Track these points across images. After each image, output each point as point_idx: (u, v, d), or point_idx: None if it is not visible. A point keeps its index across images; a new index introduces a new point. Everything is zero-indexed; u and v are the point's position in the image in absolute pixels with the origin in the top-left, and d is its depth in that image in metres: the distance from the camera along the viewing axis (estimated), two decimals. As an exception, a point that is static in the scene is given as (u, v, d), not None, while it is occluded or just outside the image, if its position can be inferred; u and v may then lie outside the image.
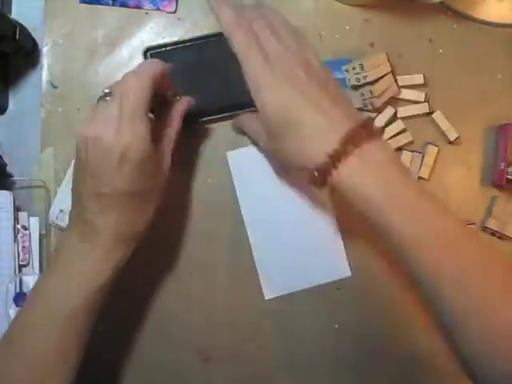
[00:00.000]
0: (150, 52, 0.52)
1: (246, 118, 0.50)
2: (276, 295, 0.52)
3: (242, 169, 0.53)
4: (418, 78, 0.53)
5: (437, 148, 0.52)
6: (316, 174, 0.39)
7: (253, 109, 0.50)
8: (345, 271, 0.52)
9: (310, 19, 0.54)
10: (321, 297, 0.52)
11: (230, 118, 0.52)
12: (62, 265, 0.43)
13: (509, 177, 0.51)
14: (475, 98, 0.54)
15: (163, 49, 0.52)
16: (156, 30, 0.53)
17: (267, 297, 0.52)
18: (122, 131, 0.40)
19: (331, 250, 0.52)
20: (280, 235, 0.52)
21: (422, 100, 0.52)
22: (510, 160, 0.52)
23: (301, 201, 0.53)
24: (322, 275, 0.52)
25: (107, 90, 0.42)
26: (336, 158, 0.38)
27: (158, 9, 0.53)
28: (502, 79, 0.54)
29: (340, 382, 0.52)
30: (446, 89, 0.54)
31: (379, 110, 0.52)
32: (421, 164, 0.52)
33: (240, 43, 0.42)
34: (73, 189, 0.44)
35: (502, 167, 0.52)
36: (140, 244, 0.45)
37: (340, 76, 0.53)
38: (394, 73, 0.51)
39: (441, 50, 0.54)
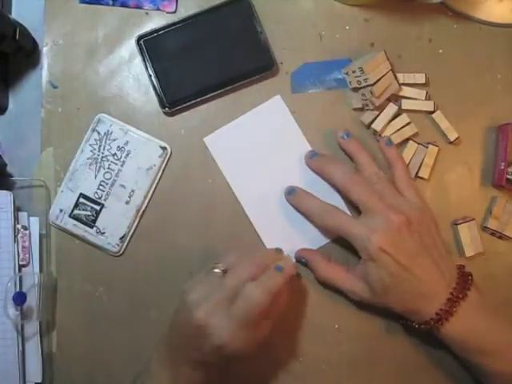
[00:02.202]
0: (143, 39, 0.52)
1: (327, 270, 0.50)
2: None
3: (222, 149, 0.53)
4: (420, 78, 0.53)
5: (437, 148, 0.52)
6: (420, 326, 0.47)
7: (255, 77, 0.52)
8: None
9: (310, 19, 0.54)
10: (321, 297, 0.52)
11: (233, 90, 0.52)
12: None
13: (509, 177, 0.51)
14: (475, 98, 0.54)
15: (155, 34, 0.52)
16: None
17: None
18: (230, 332, 0.42)
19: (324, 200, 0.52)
20: (277, 203, 0.52)
21: (423, 98, 0.52)
22: (510, 160, 0.52)
23: (288, 164, 0.53)
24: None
25: (222, 268, 0.45)
26: (443, 315, 0.45)
27: (158, 9, 0.53)
28: (502, 79, 0.54)
29: (340, 382, 0.52)
30: (445, 89, 0.53)
31: (380, 108, 0.52)
32: (421, 164, 0.52)
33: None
34: (169, 337, 0.47)
35: (502, 167, 0.52)
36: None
37: (340, 76, 0.53)
38: (393, 70, 0.51)
39: (441, 50, 0.54)
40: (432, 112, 0.53)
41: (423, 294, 0.46)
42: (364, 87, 0.51)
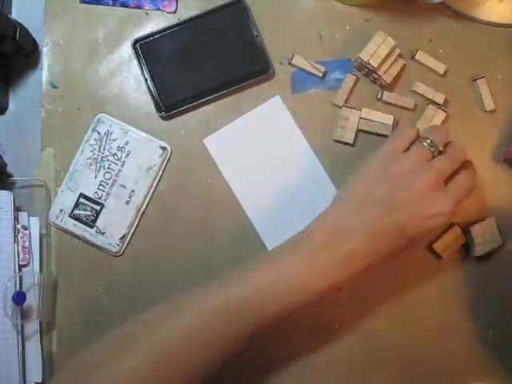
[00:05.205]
0: (139, 43, 0.52)
1: None
2: None
3: (221, 149, 0.53)
4: (440, 67, 0.53)
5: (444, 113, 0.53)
6: None
7: (251, 81, 0.52)
8: None
9: (310, 19, 0.54)
10: (321, 297, 0.52)
11: (230, 94, 0.53)
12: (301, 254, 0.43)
13: None
14: (475, 99, 0.54)
15: (151, 38, 0.52)
16: (156, 30, 0.53)
17: None
18: (448, 201, 0.43)
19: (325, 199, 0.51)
20: (277, 203, 0.52)
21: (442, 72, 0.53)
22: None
23: (288, 164, 0.53)
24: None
25: (441, 148, 0.44)
26: None
27: (158, 9, 0.53)
28: (502, 79, 0.54)
29: (340, 382, 0.52)
30: (445, 89, 0.53)
31: (392, 86, 0.53)
32: None
33: None
34: (358, 194, 0.44)
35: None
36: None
37: (340, 76, 0.53)
38: (395, 46, 0.51)
39: (441, 50, 0.54)
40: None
41: None
42: (372, 72, 0.51)
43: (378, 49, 0.50)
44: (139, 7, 0.53)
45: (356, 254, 0.42)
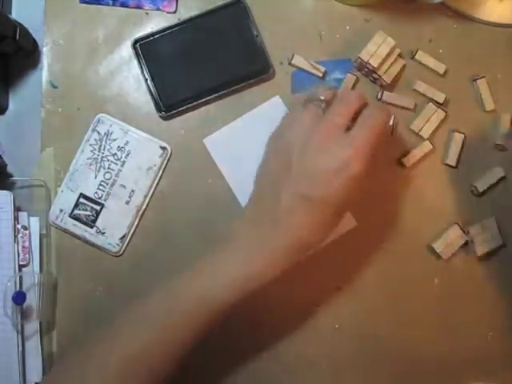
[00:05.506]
0: (139, 43, 0.52)
1: None
2: None
3: (222, 150, 0.53)
4: (440, 67, 0.53)
5: (463, 135, 0.52)
6: None
7: (251, 81, 0.52)
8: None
9: (310, 19, 0.54)
10: (321, 297, 0.52)
11: (230, 94, 0.53)
12: (230, 252, 0.43)
13: None
14: (475, 98, 0.54)
15: (151, 38, 0.52)
16: (156, 30, 0.53)
17: None
18: (349, 146, 0.40)
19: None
20: None
21: (442, 72, 0.53)
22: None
23: None
24: None
25: (322, 98, 0.42)
26: None
27: (158, 9, 0.53)
28: (502, 79, 0.54)
29: (340, 382, 0.52)
30: (445, 89, 0.53)
31: (392, 86, 0.53)
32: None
33: None
34: (264, 181, 0.44)
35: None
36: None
37: (340, 76, 0.53)
38: (395, 46, 0.51)
39: (441, 50, 0.54)
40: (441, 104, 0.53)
41: None
42: (372, 72, 0.51)
43: (378, 49, 0.50)
44: (139, 7, 0.53)
45: (280, 245, 0.41)
